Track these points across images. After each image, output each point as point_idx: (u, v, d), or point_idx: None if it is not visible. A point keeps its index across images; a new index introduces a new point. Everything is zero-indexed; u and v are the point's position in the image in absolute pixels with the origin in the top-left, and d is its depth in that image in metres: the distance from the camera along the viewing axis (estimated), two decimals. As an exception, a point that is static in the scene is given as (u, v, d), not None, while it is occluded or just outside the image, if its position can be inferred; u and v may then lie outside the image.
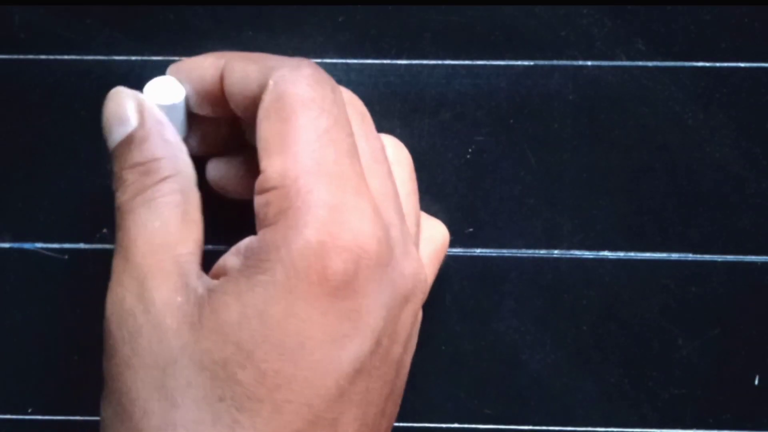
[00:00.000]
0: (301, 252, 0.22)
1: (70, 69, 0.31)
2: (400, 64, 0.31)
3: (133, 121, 0.26)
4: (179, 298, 0.23)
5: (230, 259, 0.24)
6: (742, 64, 0.31)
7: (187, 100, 0.27)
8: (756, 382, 0.32)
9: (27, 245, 0.32)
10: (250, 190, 0.28)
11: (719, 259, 0.31)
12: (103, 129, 0.26)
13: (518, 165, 0.31)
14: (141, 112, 0.26)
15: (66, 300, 0.32)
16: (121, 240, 0.25)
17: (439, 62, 0.31)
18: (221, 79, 0.26)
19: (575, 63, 0.31)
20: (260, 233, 0.23)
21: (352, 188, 0.23)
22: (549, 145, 0.31)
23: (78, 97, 0.31)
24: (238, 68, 0.26)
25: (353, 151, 0.24)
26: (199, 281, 0.24)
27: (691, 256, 0.31)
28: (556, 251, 0.32)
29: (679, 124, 0.31)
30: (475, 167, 0.31)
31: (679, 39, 0.31)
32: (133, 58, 0.31)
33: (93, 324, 0.32)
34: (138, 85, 0.31)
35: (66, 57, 0.31)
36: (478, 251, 0.32)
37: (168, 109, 0.27)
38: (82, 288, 0.32)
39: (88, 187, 0.32)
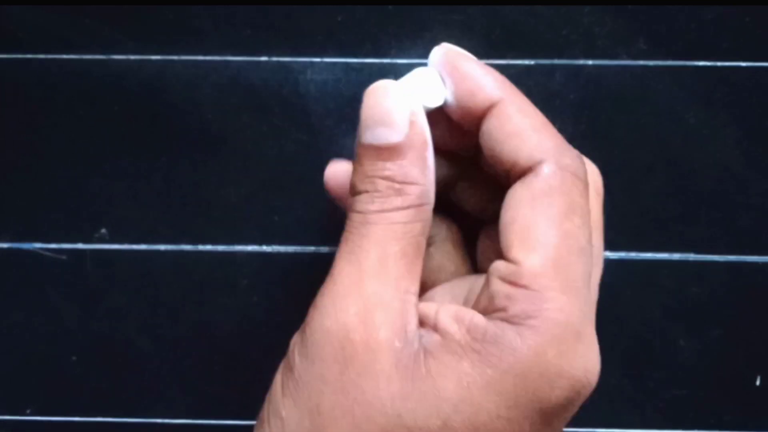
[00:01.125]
0: (537, 371, 0.22)
1: (70, 69, 0.31)
2: (400, 64, 0.31)
3: (402, 132, 0.24)
4: (398, 343, 0.23)
5: (448, 321, 0.23)
6: (743, 64, 0.31)
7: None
8: (758, 382, 0.32)
9: (26, 245, 0.32)
10: None
11: (721, 260, 0.31)
12: (363, 118, 0.25)
13: (519, 165, 0.31)
14: (414, 124, 0.24)
15: (64, 300, 0.32)
16: (356, 249, 0.24)
17: (440, 61, 0.31)
18: (484, 112, 0.25)
19: (576, 62, 0.31)
20: (497, 322, 0.23)
21: (590, 313, 0.24)
22: (550, 145, 0.31)
23: (78, 97, 0.31)
24: (520, 130, 0.25)
25: (591, 267, 0.24)
26: (415, 330, 0.23)
27: (692, 256, 0.31)
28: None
29: (680, 123, 0.31)
30: (476, 167, 0.31)
31: (681, 38, 0.31)
32: (133, 57, 0.31)
33: (92, 324, 0.32)
34: (138, 85, 0.31)
35: (66, 57, 0.31)
36: (478, 251, 0.31)
37: (425, 111, 0.25)
38: (80, 288, 0.32)
39: (87, 188, 0.32)
